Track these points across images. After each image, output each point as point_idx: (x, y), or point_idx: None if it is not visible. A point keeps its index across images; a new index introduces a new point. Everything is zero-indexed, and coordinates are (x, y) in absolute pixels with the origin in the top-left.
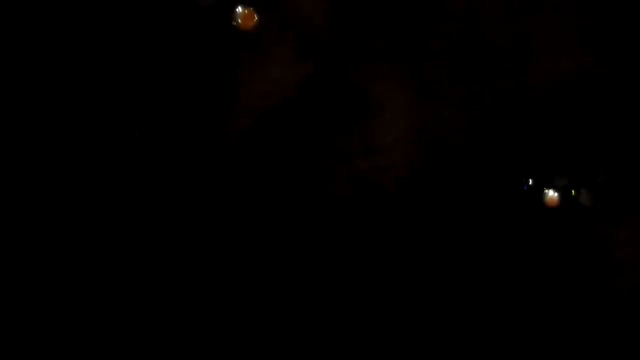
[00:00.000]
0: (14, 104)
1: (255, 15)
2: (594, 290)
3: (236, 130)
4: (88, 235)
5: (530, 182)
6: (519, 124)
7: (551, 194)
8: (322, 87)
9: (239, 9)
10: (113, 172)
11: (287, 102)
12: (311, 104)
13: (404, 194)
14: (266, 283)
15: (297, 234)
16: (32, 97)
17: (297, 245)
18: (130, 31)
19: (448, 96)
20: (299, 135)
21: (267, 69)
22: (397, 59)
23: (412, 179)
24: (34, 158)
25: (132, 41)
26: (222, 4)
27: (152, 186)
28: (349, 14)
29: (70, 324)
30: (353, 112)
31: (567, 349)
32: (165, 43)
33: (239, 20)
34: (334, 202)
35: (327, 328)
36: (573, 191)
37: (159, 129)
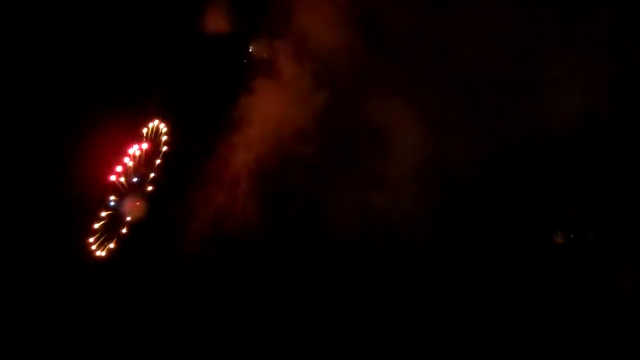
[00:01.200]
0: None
1: (272, 45)
2: (597, 326)
3: (249, 155)
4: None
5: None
6: (529, 160)
7: (558, 233)
8: (336, 117)
9: (256, 39)
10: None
11: (300, 130)
12: (324, 132)
13: (411, 228)
14: (271, 304)
15: (303, 258)
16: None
17: (302, 269)
18: (152, 58)
19: (459, 132)
20: (310, 162)
21: (283, 97)
22: (411, 93)
23: (419, 214)
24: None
25: (153, 67)
26: (239, 34)
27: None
28: (366, 48)
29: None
30: (365, 144)
31: None
32: (184, 69)
33: (255, 50)
34: (340, 230)
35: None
36: (581, 229)
37: (175, 150)
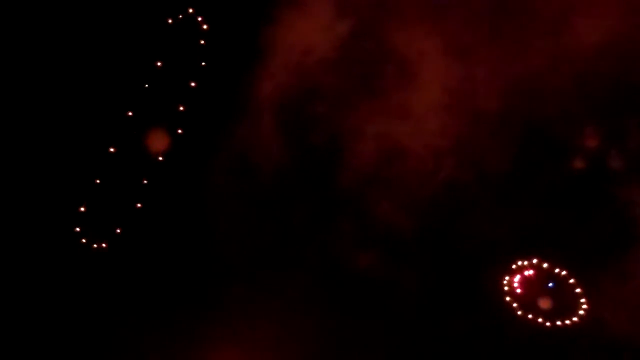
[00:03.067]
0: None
1: None
2: (618, 251)
3: (272, 84)
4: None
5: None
6: (554, 87)
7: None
8: (359, 47)
9: None
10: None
11: (323, 60)
12: (347, 62)
13: (432, 161)
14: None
15: (325, 190)
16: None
17: (324, 200)
18: None
19: (483, 58)
20: (332, 92)
21: (306, 25)
22: (434, 21)
23: (441, 147)
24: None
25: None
26: None
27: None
28: None
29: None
30: (388, 74)
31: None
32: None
33: None
34: (362, 161)
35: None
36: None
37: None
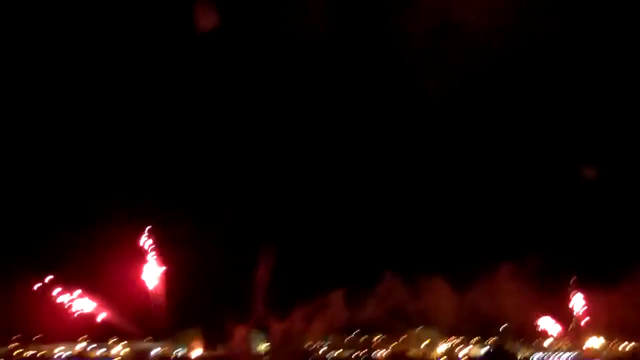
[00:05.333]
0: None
1: None
2: None
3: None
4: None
5: None
6: None
7: None
8: None
9: None
10: None
11: None
12: None
13: (486, 37)
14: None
15: (374, 64)
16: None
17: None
18: None
19: None
20: (374, 7)
21: None
22: None
23: (496, 23)
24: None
25: None
26: None
27: None
28: None
29: None
30: None
31: None
32: None
33: None
34: (414, 35)
35: None
36: None
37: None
